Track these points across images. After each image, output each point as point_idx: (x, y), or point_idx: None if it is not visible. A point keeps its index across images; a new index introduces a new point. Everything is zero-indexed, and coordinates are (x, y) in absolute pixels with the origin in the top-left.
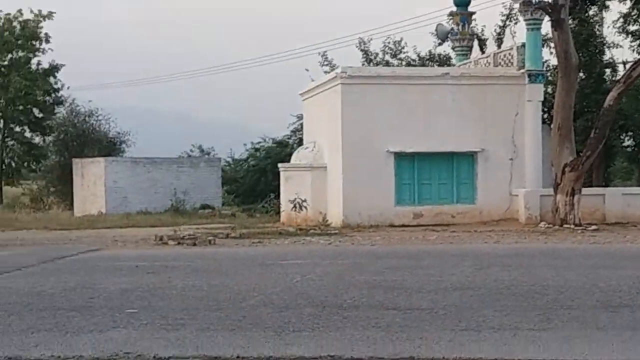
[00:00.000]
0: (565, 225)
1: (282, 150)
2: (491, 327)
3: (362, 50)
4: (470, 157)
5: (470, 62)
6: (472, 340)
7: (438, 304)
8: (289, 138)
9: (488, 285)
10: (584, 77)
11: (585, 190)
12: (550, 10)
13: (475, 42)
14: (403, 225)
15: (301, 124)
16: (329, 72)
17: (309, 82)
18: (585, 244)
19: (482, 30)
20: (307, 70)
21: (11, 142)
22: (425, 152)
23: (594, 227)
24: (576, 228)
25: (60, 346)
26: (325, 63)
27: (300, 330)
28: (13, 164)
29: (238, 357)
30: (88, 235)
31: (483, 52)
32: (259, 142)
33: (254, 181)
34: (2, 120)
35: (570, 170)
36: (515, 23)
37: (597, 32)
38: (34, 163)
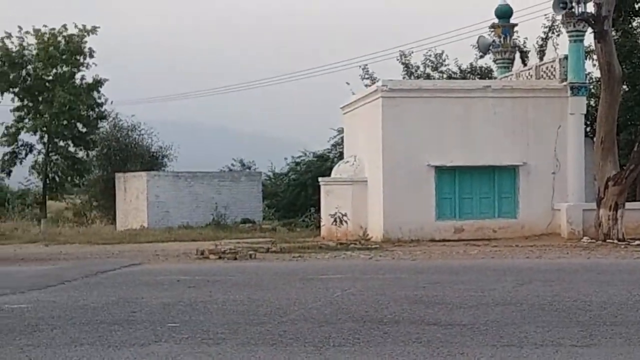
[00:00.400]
0: (608, 240)
1: (323, 164)
2: (533, 343)
3: (403, 63)
4: (512, 171)
5: (512, 74)
6: (513, 356)
7: (479, 320)
8: (329, 152)
9: (530, 301)
10: (627, 89)
11: (628, 205)
12: (593, 22)
13: (517, 55)
14: (444, 240)
15: (342, 138)
16: (369, 86)
17: (350, 95)
18: (628, 259)
19: (524, 42)
20: (348, 83)
21: (55, 157)
22: (467, 165)
23: (637, 242)
24: (619, 243)
25: None
26: (366, 76)
27: (341, 345)
28: (57, 179)
29: None
30: (130, 249)
31: (525, 65)
32: (300, 156)
33: (295, 195)
34: (46, 135)
35: (613, 184)
36: (558, 35)
37: None
38: (78, 177)
